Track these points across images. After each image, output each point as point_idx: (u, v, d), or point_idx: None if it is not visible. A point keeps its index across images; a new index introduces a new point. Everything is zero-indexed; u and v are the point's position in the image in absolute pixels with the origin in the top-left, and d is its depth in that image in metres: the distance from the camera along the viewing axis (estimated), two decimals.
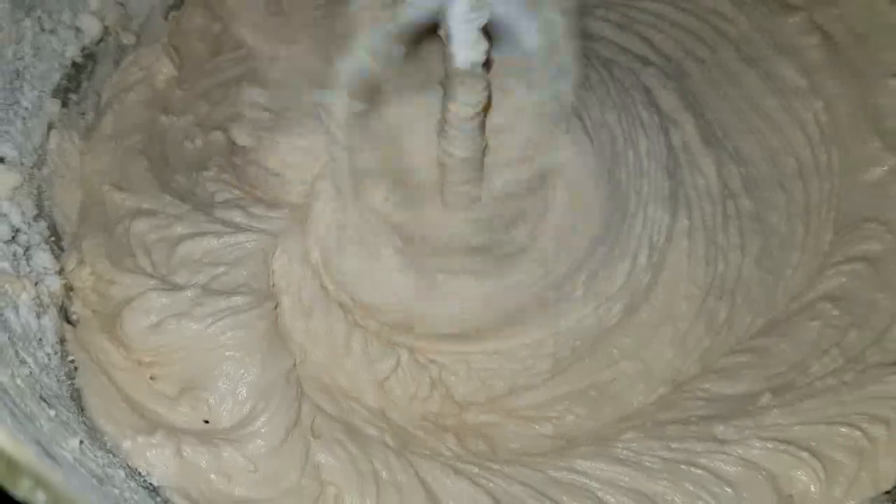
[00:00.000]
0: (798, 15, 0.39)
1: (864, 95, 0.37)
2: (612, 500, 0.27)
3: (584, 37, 0.39)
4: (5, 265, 0.28)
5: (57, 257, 0.31)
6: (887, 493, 0.28)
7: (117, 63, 0.37)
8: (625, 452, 0.29)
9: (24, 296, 0.28)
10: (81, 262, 0.30)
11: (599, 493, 0.28)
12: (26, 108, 0.33)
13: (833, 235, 0.35)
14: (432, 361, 0.31)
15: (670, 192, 0.35)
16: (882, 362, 0.31)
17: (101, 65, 0.37)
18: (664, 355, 0.33)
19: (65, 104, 0.35)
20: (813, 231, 0.35)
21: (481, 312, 0.31)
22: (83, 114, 0.36)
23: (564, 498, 0.27)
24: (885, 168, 0.35)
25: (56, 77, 0.34)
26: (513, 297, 0.31)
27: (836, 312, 0.33)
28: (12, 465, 0.20)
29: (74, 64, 0.35)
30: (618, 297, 0.33)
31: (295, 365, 0.29)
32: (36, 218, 0.31)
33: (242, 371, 0.28)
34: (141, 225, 0.31)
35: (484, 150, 0.33)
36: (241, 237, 0.30)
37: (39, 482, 0.20)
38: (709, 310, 0.34)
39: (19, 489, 0.20)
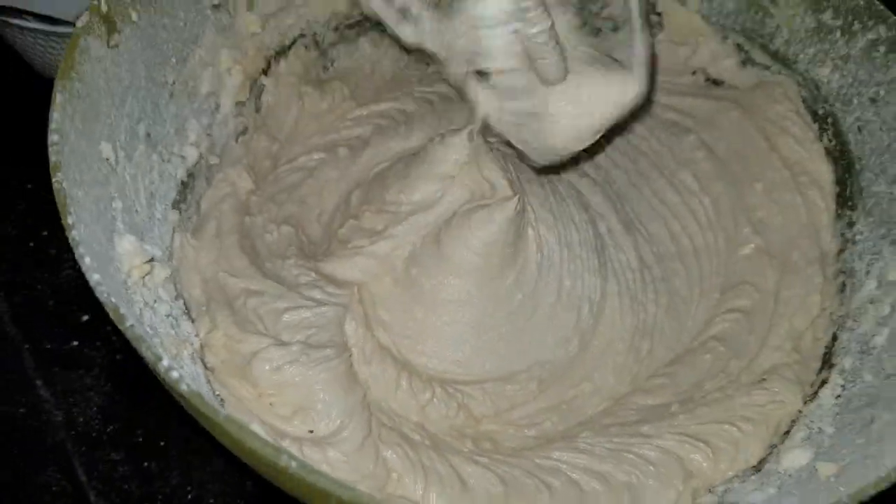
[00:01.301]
0: (691, 135, 0.54)
1: (739, 195, 0.50)
2: (576, 476, 0.41)
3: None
4: (172, 332, 0.41)
5: (193, 325, 0.44)
6: (754, 466, 0.43)
7: (209, 180, 0.49)
8: (583, 445, 0.42)
9: (184, 353, 0.41)
10: (215, 327, 0.43)
11: (567, 472, 0.41)
12: (159, 220, 0.45)
13: (719, 294, 0.48)
14: (458, 391, 0.44)
15: (599, 265, 0.48)
16: (750, 381, 0.44)
17: (198, 181, 0.49)
18: (608, 379, 0.46)
19: (179, 213, 0.48)
20: (705, 291, 0.49)
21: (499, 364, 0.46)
22: (190, 219, 0.48)
23: (545, 476, 0.41)
24: (752, 246, 0.49)
25: (173, 194, 0.46)
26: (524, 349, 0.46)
27: (721, 349, 0.46)
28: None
29: (182, 183, 0.47)
30: (573, 337, 0.47)
31: (364, 395, 0.42)
32: (175, 298, 0.45)
33: (333, 399, 0.41)
34: (253, 301, 0.43)
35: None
36: (323, 308, 0.43)
37: None
38: (636, 347, 0.47)
39: None
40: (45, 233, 0.58)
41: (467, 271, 0.45)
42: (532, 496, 0.40)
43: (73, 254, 0.51)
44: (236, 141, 0.52)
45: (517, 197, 0.45)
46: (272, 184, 0.52)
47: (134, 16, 0.44)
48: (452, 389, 0.44)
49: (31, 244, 0.58)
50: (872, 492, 0.30)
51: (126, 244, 0.39)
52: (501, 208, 0.45)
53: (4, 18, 0.58)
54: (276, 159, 0.53)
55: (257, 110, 0.53)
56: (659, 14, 0.56)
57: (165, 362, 0.31)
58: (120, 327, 0.32)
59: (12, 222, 0.59)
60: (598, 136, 0.43)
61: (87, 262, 0.33)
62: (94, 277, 0.33)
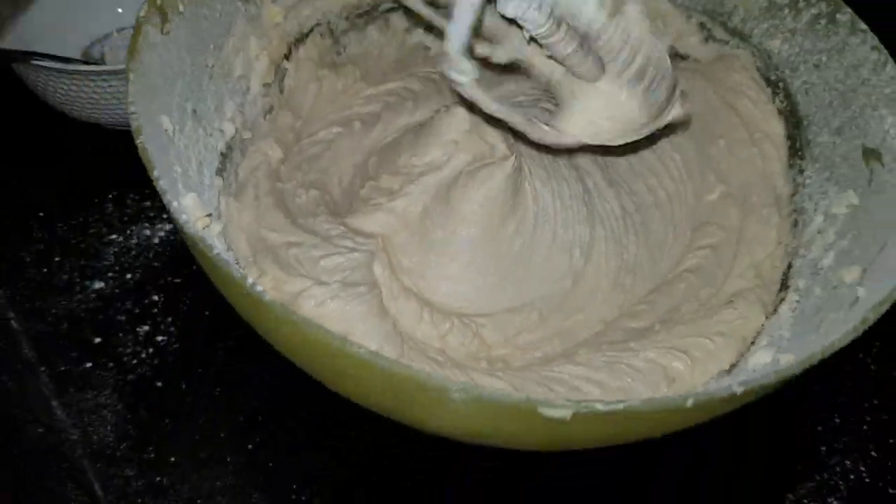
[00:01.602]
0: None
1: (705, 150, 0.58)
2: (577, 383, 0.47)
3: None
4: None
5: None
6: (726, 370, 0.50)
7: (243, 152, 0.55)
8: (580, 359, 0.48)
9: None
10: (263, 273, 0.50)
11: (569, 381, 0.48)
12: (207, 185, 0.53)
13: (690, 234, 0.55)
14: (472, 322, 0.50)
15: (588, 214, 0.55)
16: (720, 304, 0.51)
17: (235, 153, 0.55)
18: (597, 309, 0.53)
19: (223, 179, 0.55)
20: (678, 233, 0.56)
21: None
22: (231, 185, 0.55)
23: (551, 384, 0.48)
24: (717, 192, 0.57)
25: (216, 163, 0.52)
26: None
27: (693, 279, 0.53)
28: None
29: (223, 154, 0.53)
30: (567, 275, 0.53)
31: (394, 325, 0.49)
32: (227, 249, 0.52)
33: (369, 328, 0.48)
34: (293, 251, 0.50)
35: None
36: (354, 254, 0.50)
37: None
38: (620, 282, 0.54)
39: None
40: (58, 258, 0.61)
41: (473, 222, 0.53)
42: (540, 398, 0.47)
43: (84, 279, 0.59)
44: (264, 118, 0.59)
45: (514, 156, 0.52)
46: (297, 154, 0.59)
47: (181, 7, 0.51)
48: (467, 320, 0.51)
49: (45, 270, 0.60)
50: (817, 360, 0.37)
51: (189, 200, 0.46)
52: (501, 167, 0.52)
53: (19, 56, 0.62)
54: (299, 134, 0.60)
55: (281, 91, 0.60)
56: None
57: (249, 280, 0.38)
58: (207, 255, 0.39)
59: (27, 249, 0.61)
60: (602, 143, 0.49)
61: (174, 206, 0.40)
62: (182, 217, 0.40)
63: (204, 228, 0.48)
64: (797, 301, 0.50)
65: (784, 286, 0.52)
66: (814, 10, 0.56)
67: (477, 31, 0.45)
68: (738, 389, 0.36)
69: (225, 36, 0.55)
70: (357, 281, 0.49)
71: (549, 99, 0.56)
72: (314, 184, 0.57)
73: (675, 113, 0.49)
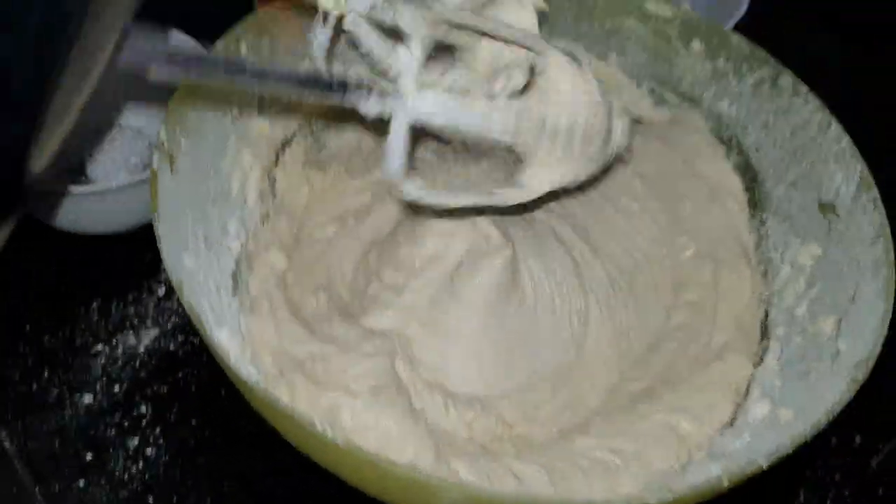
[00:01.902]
0: (627, 166, 0.65)
1: (673, 210, 0.62)
2: (598, 454, 0.51)
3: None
4: None
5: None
6: (727, 422, 0.54)
7: (250, 265, 0.58)
8: (596, 431, 0.52)
9: None
10: (294, 389, 0.51)
11: (590, 454, 0.50)
12: (227, 308, 0.56)
13: (671, 292, 0.60)
14: (493, 405, 0.53)
15: (579, 284, 0.59)
16: (709, 358, 0.55)
17: (243, 268, 0.56)
18: (602, 374, 0.57)
19: (238, 299, 0.57)
20: (660, 292, 0.60)
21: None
22: (245, 303, 0.57)
23: (575, 459, 0.51)
24: (690, 250, 0.62)
25: (230, 283, 0.55)
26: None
27: (681, 335, 0.57)
28: None
29: (233, 272, 0.56)
30: (570, 345, 0.57)
31: (426, 423, 0.52)
32: (256, 373, 0.54)
33: (405, 432, 0.49)
34: (319, 363, 0.51)
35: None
36: (377, 359, 0.52)
37: None
38: (617, 345, 0.58)
39: None
40: (46, 374, 0.61)
41: (479, 308, 0.56)
42: (570, 477, 0.51)
43: (73, 393, 0.60)
44: (263, 225, 0.61)
45: (510, 246, 0.57)
46: (300, 258, 0.61)
47: (184, 145, 0.53)
48: (488, 404, 0.55)
49: (34, 386, 0.61)
50: (824, 424, 0.43)
51: (224, 334, 0.49)
52: (499, 256, 0.56)
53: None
54: (297, 237, 0.62)
55: (274, 196, 0.63)
56: None
57: (316, 425, 0.41)
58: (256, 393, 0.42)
59: (14, 365, 0.62)
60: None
61: (223, 339, 0.43)
62: (230, 356, 0.43)
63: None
64: (780, 350, 0.55)
65: (765, 335, 0.57)
66: (756, 76, 0.62)
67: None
68: (764, 463, 0.41)
69: (221, 157, 0.58)
70: (385, 385, 0.52)
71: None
72: (321, 287, 0.60)
73: (619, 143, 0.53)
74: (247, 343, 0.54)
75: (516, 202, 0.52)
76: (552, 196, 0.61)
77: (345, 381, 0.53)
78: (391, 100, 0.43)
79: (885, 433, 0.62)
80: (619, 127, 0.52)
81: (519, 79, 0.48)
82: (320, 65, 0.50)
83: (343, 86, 0.42)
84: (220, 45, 0.57)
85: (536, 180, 0.52)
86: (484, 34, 0.51)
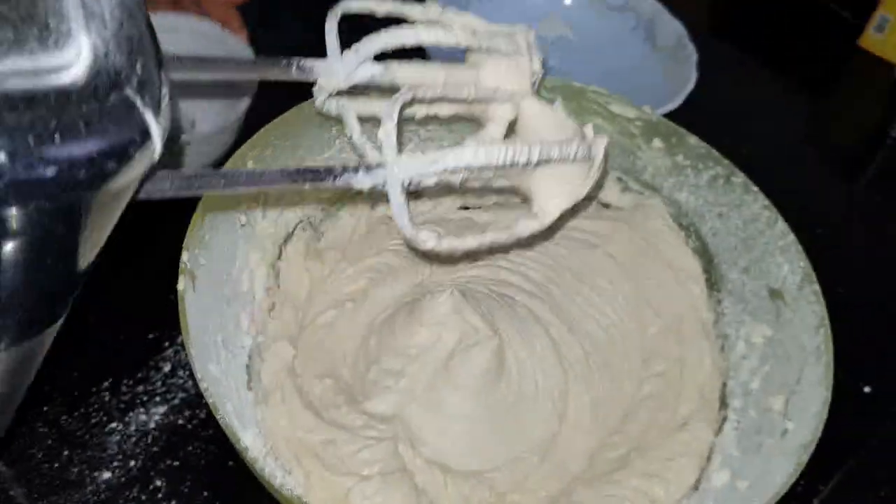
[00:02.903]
0: (598, 249, 0.71)
1: (641, 289, 0.69)
2: None
3: (498, 283, 0.73)
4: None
5: (291, 477, 0.60)
6: (692, 486, 0.62)
7: (261, 356, 0.64)
8: (579, 498, 0.58)
9: None
10: (310, 474, 0.57)
11: None
12: (244, 403, 0.62)
13: (641, 364, 0.66)
14: (486, 478, 0.59)
15: (558, 361, 0.65)
16: (677, 426, 0.61)
17: (254, 360, 0.62)
18: (582, 442, 0.63)
19: (253, 392, 0.63)
20: (631, 365, 0.66)
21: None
22: (259, 394, 0.63)
23: None
24: (656, 326, 0.68)
25: (244, 378, 0.62)
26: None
27: (652, 405, 0.63)
28: None
29: (246, 366, 0.63)
30: (552, 417, 0.63)
31: (429, 500, 0.59)
32: (274, 461, 0.60)
33: None
34: (330, 449, 0.56)
35: None
36: (382, 444, 0.58)
37: None
38: (595, 415, 0.64)
39: None
40: (66, 452, 0.66)
41: (471, 391, 0.63)
42: None
43: (92, 471, 0.64)
44: (269, 316, 0.67)
45: (497, 335, 0.63)
46: (304, 346, 0.67)
47: (202, 260, 0.59)
48: (482, 477, 0.62)
49: (56, 465, 0.65)
50: (773, 501, 0.50)
51: (249, 436, 0.55)
52: (488, 345, 0.63)
53: None
54: (301, 324, 0.69)
55: (278, 288, 0.69)
56: None
57: None
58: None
59: (36, 446, 0.66)
60: None
61: (250, 443, 0.49)
62: (255, 454, 0.49)
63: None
64: (737, 420, 0.63)
65: (723, 405, 0.65)
66: (711, 172, 0.69)
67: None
68: None
69: (232, 262, 0.63)
70: (392, 469, 0.59)
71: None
72: (326, 372, 0.66)
73: (600, 146, 0.56)
74: (263, 434, 0.60)
75: (533, 232, 0.56)
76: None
77: (355, 466, 0.59)
78: (379, 171, 0.46)
79: (824, 476, 0.69)
80: (600, 144, 0.55)
81: (508, 113, 0.54)
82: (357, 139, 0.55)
83: (330, 172, 0.46)
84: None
85: (547, 207, 0.56)
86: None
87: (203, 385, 0.52)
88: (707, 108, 0.87)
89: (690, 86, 0.88)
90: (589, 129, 0.56)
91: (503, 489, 0.62)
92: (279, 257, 0.69)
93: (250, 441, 0.55)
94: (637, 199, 0.75)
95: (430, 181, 0.49)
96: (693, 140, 0.70)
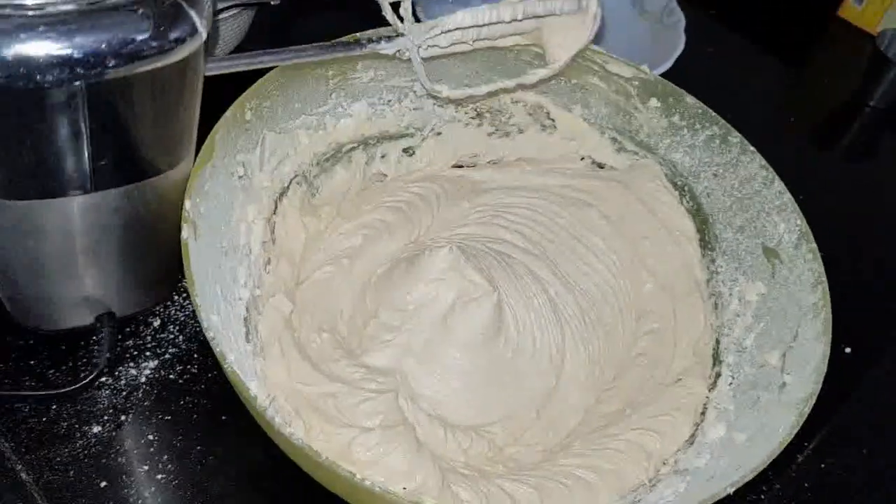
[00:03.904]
0: (592, 208, 0.72)
1: (635, 248, 0.70)
2: (580, 473, 0.57)
3: (494, 241, 0.73)
4: None
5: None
6: (687, 440, 0.63)
7: (258, 310, 0.63)
8: (577, 451, 0.59)
9: None
10: (310, 427, 0.56)
11: (573, 472, 0.57)
12: (244, 354, 0.61)
13: (635, 322, 0.67)
14: (486, 431, 0.60)
15: (556, 319, 0.66)
16: (671, 382, 0.63)
17: (252, 313, 0.62)
18: (579, 398, 0.63)
19: (252, 345, 0.62)
20: (625, 322, 0.67)
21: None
22: (257, 346, 0.62)
23: (560, 478, 0.56)
24: (650, 284, 0.70)
25: (243, 331, 0.61)
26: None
27: (645, 362, 0.64)
28: None
29: (245, 318, 0.61)
30: (550, 373, 0.64)
31: (430, 453, 0.59)
32: (274, 412, 0.60)
33: (414, 464, 0.55)
34: (331, 401, 0.56)
35: None
36: (383, 396, 0.57)
37: None
38: (590, 371, 0.64)
39: None
40: (55, 406, 0.64)
41: (471, 346, 0.63)
42: (556, 495, 0.58)
43: (82, 425, 0.64)
44: (265, 271, 0.66)
45: (496, 291, 0.63)
46: (301, 301, 0.67)
47: (202, 208, 0.58)
48: (482, 431, 0.62)
49: (44, 419, 0.64)
50: (777, 452, 0.51)
51: (254, 386, 0.55)
52: (487, 299, 0.63)
53: None
54: (297, 280, 0.68)
55: (274, 243, 0.68)
56: (552, 119, 0.76)
57: (349, 473, 0.47)
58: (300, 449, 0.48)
59: (23, 400, 0.64)
60: None
61: (255, 390, 0.49)
62: (268, 409, 0.49)
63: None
64: (731, 376, 0.64)
65: (717, 361, 0.66)
66: (708, 132, 0.70)
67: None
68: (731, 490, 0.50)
69: (230, 213, 0.62)
70: (393, 422, 0.59)
71: None
72: (323, 326, 0.66)
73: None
74: (263, 386, 0.59)
75: (542, 78, 0.70)
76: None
77: (356, 418, 0.59)
78: (399, 39, 0.63)
79: (808, 434, 0.69)
80: None
81: None
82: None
83: (358, 42, 0.64)
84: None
85: (556, 55, 0.69)
86: None
87: (210, 335, 0.51)
88: (688, 77, 0.87)
89: (679, 49, 0.88)
90: None
91: (501, 443, 0.63)
92: (275, 212, 0.68)
93: (256, 391, 0.54)
94: (632, 160, 0.75)
95: (441, 42, 0.64)
96: (690, 99, 0.70)
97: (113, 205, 0.54)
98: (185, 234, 0.54)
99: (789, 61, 1.08)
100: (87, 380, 0.64)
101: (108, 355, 0.65)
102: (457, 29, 0.63)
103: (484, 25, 0.65)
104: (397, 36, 0.63)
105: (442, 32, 0.63)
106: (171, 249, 0.56)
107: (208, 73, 0.53)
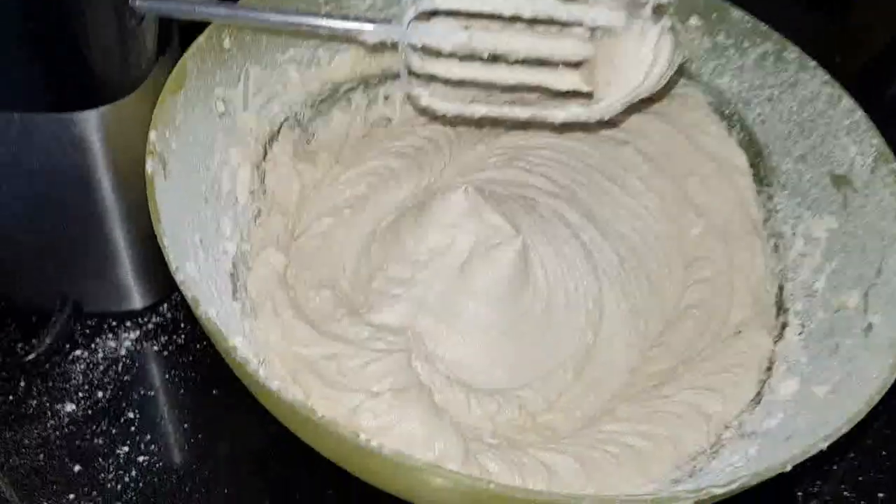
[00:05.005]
0: (628, 146, 0.64)
1: (679, 187, 0.61)
2: (628, 440, 0.49)
3: (517, 185, 0.64)
4: None
5: None
6: (753, 400, 0.53)
7: (247, 265, 0.55)
8: (622, 415, 0.51)
9: None
10: (309, 392, 0.48)
11: (620, 439, 0.50)
12: (230, 314, 0.52)
13: (683, 270, 0.59)
14: (515, 396, 0.52)
15: (591, 268, 0.57)
16: (729, 335, 0.55)
17: (240, 269, 0.54)
18: (621, 355, 0.56)
19: (240, 303, 0.54)
20: (672, 270, 0.59)
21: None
22: (246, 304, 0.54)
23: (605, 446, 0.49)
24: (698, 228, 0.61)
25: (229, 287, 0.52)
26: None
27: (698, 314, 0.56)
28: None
29: (231, 274, 0.53)
30: (587, 328, 0.55)
31: (450, 419, 0.50)
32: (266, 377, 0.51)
33: (431, 431, 0.47)
34: (332, 364, 0.49)
35: None
36: (393, 357, 0.49)
37: None
38: (634, 326, 0.56)
39: None
40: (22, 384, 0.58)
41: (493, 299, 0.54)
42: (603, 465, 0.50)
43: (54, 403, 0.57)
44: (255, 223, 0.58)
45: (520, 235, 0.55)
46: (297, 255, 0.58)
47: (174, 145, 0.50)
48: (510, 395, 0.53)
49: (11, 397, 0.57)
50: (876, 400, 0.42)
51: (238, 342, 0.46)
52: (510, 246, 0.54)
53: None
54: (292, 232, 0.60)
55: (264, 193, 0.59)
56: None
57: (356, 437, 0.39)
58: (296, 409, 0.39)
59: None
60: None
61: (239, 345, 0.40)
62: (252, 363, 0.40)
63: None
64: (801, 324, 0.54)
65: (782, 310, 0.57)
66: (760, 50, 0.61)
67: None
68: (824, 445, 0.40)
69: (210, 155, 0.54)
70: (405, 384, 0.50)
71: None
72: (323, 282, 0.57)
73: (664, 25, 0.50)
74: (253, 347, 0.51)
75: (573, 119, 0.54)
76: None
77: (362, 382, 0.50)
78: (391, 28, 0.49)
79: None
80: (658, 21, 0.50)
81: None
82: None
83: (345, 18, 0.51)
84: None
85: (602, 91, 0.52)
86: None
87: (179, 277, 0.43)
88: None
89: None
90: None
91: (534, 409, 0.54)
92: (264, 158, 0.60)
93: (242, 349, 0.45)
94: (672, 90, 0.66)
95: (438, 40, 0.49)
96: (737, 14, 0.61)
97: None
98: (150, 168, 0.46)
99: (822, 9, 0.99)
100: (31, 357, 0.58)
101: (48, 341, 0.58)
102: (457, 13, 0.49)
103: (494, 19, 0.50)
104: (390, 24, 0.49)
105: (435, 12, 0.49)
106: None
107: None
